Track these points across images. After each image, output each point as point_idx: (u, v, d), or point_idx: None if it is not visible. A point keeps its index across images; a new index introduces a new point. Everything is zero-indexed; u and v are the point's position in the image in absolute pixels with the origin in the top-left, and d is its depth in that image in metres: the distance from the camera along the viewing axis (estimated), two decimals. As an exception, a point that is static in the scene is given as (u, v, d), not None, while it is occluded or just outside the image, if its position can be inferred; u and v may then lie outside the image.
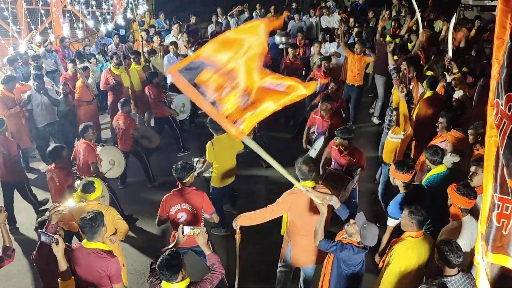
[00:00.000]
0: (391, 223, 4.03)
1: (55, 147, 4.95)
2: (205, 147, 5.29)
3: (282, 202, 3.84)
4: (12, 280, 4.98)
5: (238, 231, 3.81)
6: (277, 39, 8.57)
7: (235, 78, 2.43)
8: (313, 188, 3.81)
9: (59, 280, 3.23)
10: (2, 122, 5.64)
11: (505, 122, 2.16)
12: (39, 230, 3.34)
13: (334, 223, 3.93)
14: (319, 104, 6.06)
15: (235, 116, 2.49)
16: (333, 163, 5.29)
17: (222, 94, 2.46)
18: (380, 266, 3.66)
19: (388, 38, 9.34)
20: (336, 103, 6.67)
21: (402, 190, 4.10)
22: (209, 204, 4.32)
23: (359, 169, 5.01)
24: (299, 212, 3.84)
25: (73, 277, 3.27)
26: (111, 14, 13.36)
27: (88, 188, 4.12)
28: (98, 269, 3.37)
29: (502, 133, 2.19)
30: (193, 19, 11.58)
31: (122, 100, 6.58)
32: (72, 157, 5.74)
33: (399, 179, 4.06)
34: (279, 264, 4.32)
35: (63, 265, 3.22)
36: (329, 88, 6.88)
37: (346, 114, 7.36)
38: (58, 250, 3.20)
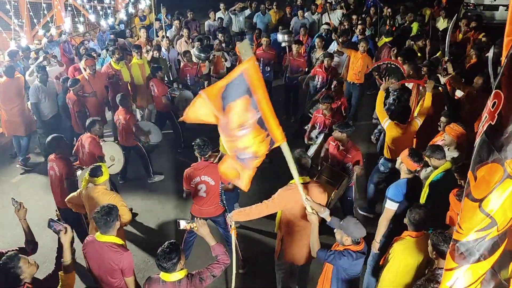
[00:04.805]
0: (389, 205, 3.99)
1: (53, 137, 4.94)
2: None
3: (278, 198, 3.83)
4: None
5: (233, 226, 3.82)
6: (279, 37, 8.52)
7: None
8: (308, 183, 3.83)
9: (60, 273, 3.23)
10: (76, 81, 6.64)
11: (486, 117, 2.18)
12: (49, 218, 3.34)
13: (329, 233, 3.88)
14: (320, 104, 6.05)
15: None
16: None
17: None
18: (381, 263, 3.67)
19: (381, 41, 9.33)
20: (339, 101, 6.66)
21: (404, 176, 4.11)
22: None
23: (355, 167, 5.01)
24: (295, 208, 3.83)
25: (74, 271, 3.27)
26: (112, 8, 13.32)
27: (96, 172, 4.19)
28: (111, 262, 3.39)
29: (481, 127, 2.21)
30: (190, 15, 11.58)
31: (119, 95, 6.55)
32: (74, 150, 5.74)
33: (407, 165, 4.05)
34: (276, 263, 4.31)
35: (67, 256, 3.22)
36: (332, 86, 6.86)
37: (347, 113, 7.33)
38: (66, 240, 3.22)
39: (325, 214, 3.54)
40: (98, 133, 5.60)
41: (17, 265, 2.98)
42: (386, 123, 5.33)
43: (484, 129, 2.13)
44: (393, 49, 8.23)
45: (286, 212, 3.92)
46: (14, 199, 3.66)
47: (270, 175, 6.27)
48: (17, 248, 3.48)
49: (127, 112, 6.46)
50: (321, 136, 5.82)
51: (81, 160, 5.59)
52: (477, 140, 2.19)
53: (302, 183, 3.77)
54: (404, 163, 4.06)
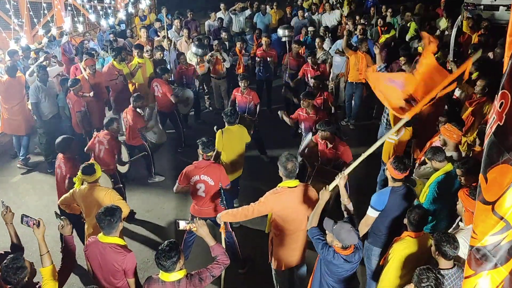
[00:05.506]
0: (370, 212, 3.92)
1: (63, 138, 4.97)
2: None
3: (264, 201, 3.82)
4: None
5: (222, 225, 3.92)
6: (280, 32, 8.48)
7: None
8: (296, 187, 3.81)
9: (40, 269, 3.22)
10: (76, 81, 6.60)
11: (494, 117, 2.15)
12: (22, 214, 3.36)
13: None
14: (301, 101, 6.03)
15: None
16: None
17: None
18: (381, 263, 3.67)
19: (382, 39, 9.32)
20: (321, 97, 6.61)
21: (390, 184, 4.02)
22: (225, 177, 4.71)
23: (347, 163, 4.97)
24: (282, 212, 3.82)
25: (53, 264, 3.26)
26: (112, 8, 13.32)
27: (89, 170, 4.21)
28: (115, 263, 3.38)
29: (489, 128, 2.19)
30: (190, 15, 11.59)
31: (135, 95, 6.58)
32: (86, 149, 5.71)
33: (390, 173, 3.96)
34: (272, 266, 4.27)
35: (43, 249, 3.24)
36: (311, 84, 6.82)
37: (337, 108, 7.16)
38: (39, 233, 3.26)
39: (348, 203, 3.72)
40: (116, 131, 5.65)
41: (24, 265, 2.98)
42: (402, 131, 5.31)
43: (493, 130, 2.11)
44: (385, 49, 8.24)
45: (275, 216, 3.91)
46: (3, 201, 3.62)
47: (270, 175, 6.26)
48: (3, 252, 3.46)
49: (135, 112, 6.45)
50: (309, 135, 5.75)
51: (96, 157, 5.52)
52: (486, 141, 2.16)
53: (289, 187, 3.79)
54: (388, 170, 3.97)
